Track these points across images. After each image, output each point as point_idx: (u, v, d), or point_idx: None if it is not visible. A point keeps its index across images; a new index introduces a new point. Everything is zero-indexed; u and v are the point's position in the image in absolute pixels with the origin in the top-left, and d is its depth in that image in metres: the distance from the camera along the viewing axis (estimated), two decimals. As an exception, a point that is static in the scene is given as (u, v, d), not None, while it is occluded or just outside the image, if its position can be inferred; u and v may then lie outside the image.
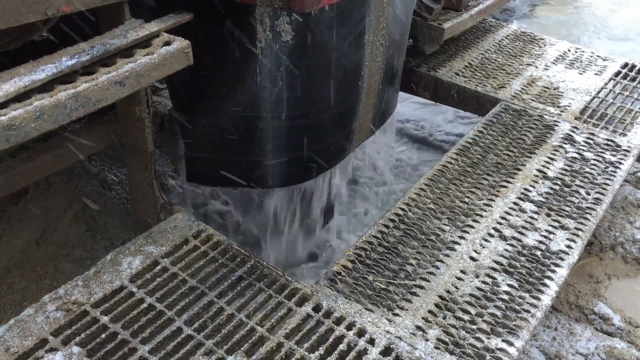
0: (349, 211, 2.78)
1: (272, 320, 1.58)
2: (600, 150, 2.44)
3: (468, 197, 2.12)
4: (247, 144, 2.09)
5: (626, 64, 3.14)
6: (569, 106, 2.73)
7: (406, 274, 1.78)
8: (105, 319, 1.55)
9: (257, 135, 2.07)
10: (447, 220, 2.00)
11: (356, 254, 1.84)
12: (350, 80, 2.14)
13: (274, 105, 2.00)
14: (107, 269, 1.68)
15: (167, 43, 1.59)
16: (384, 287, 1.73)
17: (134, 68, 1.47)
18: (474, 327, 1.63)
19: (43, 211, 2.12)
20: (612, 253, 2.40)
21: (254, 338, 1.54)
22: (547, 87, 2.88)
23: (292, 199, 2.40)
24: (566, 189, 2.20)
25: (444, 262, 1.83)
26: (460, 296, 1.72)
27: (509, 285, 1.77)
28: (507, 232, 1.97)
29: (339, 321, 1.60)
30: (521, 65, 3.08)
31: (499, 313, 1.68)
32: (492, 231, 1.97)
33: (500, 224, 2.01)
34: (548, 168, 2.30)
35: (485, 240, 1.93)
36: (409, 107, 3.63)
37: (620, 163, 2.37)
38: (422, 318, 1.64)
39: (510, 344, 1.59)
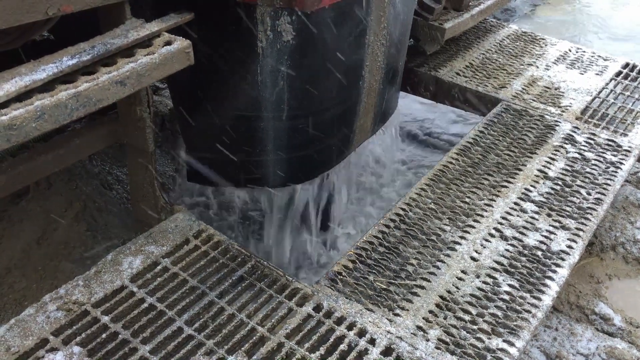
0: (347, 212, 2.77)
1: (272, 320, 1.58)
2: (601, 150, 2.44)
3: (469, 197, 2.11)
4: (247, 143, 2.09)
5: (627, 64, 3.14)
6: (569, 106, 2.73)
7: (407, 274, 1.78)
8: (106, 319, 1.55)
9: (257, 135, 2.07)
10: (447, 220, 2.00)
11: (357, 253, 1.83)
12: (351, 80, 2.14)
13: (275, 105, 2.00)
14: (108, 269, 1.68)
15: (168, 43, 1.59)
16: (384, 287, 1.73)
17: (134, 68, 1.47)
18: (475, 327, 1.63)
19: (44, 211, 2.12)
20: (612, 253, 2.39)
21: (254, 338, 1.54)
22: (548, 87, 2.88)
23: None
24: (567, 189, 2.20)
25: (444, 262, 1.83)
26: (461, 296, 1.72)
27: (509, 285, 1.77)
28: (508, 232, 1.97)
29: (339, 321, 1.60)
30: (522, 65, 3.08)
31: (499, 313, 1.67)
32: (493, 231, 1.97)
33: (501, 224, 2.01)
34: (549, 168, 2.30)
35: (486, 240, 1.93)
36: (409, 107, 3.63)
37: (621, 163, 2.37)
38: (423, 318, 1.64)
39: (511, 344, 1.59)
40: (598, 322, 2.11)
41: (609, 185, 2.23)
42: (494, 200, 2.11)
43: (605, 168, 2.33)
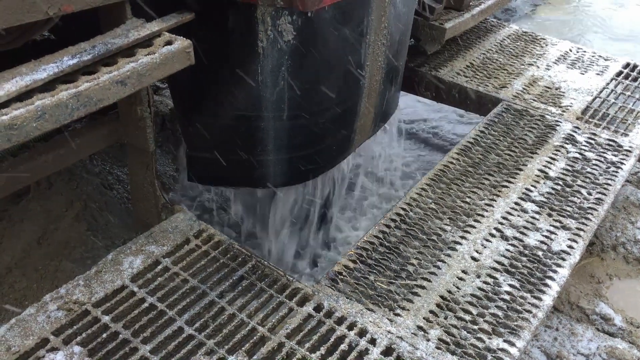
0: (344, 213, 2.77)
1: (273, 320, 1.58)
2: (601, 150, 2.44)
3: (469, 197, 2.11)
4: (248, 143, 2.09)
5: (628, 64, 3.14)
6: (570, 106, 2.73)
7: (407, 273, 1.78)
8: (106, 319, 1.55)
9: (258, 135, 2.07)
10: (448, 220, 2.00)
11: (357, 253, 1.83)
12: (351, 80, 2.14)
13: (275, 104, 1.99)
14: (108, 269, 1.68)
15: (169, 42, 1.59)
16: (385, 287, 1.73)
17: (135, 67, 1.47)
18: (476, 327, 1.63)
19: (44, 210, 2.12)
20: (613, 253, 2.39)
21: (255, 338, 1.54)
22: (548, 87, 2.88)
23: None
24: (568, 189, 2.19)
25: (445, 262, 1.83)
26: (462, 296, 1.72)
27: (510, 285, 1.77)
28: (509, 232, 1.97)
29: (340, 321, 1.60)
30: (523, 65, 3.08)
31: (500, 313, 1.67)
32: (494, 231, 1.97)
33: (501, 224, 2.00)
34: (550, 168, 2.30)
35: (487, 240, 1.93)
36: (410, 106, 3.63)
37: (621, 163, 2.37)
38: (424, 318, 1.64)
39: (512, 344, 1.59)
40: (599, 322, 2.11)
41: (610, 185, 2.23)
42: (495, 200, 2.11)
43: (606, 168, 2.33)
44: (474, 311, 1.67)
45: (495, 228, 1.98)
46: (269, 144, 2.10)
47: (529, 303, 1.71)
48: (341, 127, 2.24)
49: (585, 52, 3.25)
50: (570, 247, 1.93)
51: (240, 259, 1.76)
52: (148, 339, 1.51)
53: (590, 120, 2.64)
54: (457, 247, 1.89)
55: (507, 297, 1.73)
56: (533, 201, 2.12)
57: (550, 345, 2.01)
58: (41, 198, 2.15)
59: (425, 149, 3.33)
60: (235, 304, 1.62)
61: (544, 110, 2.68)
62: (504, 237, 1.95)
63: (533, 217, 2.04)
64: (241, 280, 1.70)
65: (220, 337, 1.53)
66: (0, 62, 1.41)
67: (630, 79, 3.01)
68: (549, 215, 2.06)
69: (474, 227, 1.98)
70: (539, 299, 1.73)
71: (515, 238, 1.95)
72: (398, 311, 1.65)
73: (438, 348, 1.55)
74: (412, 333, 1.59)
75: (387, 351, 1.54)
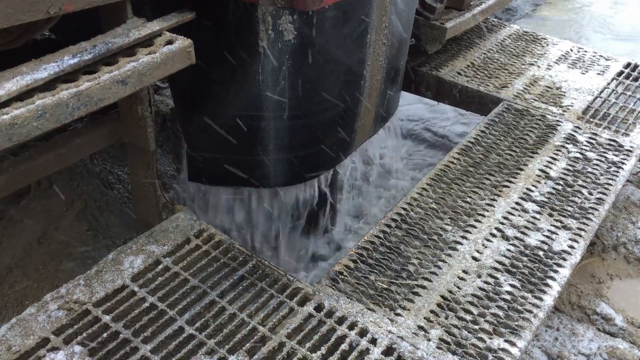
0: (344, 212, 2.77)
1: (273, 320, 1.58)
2: (602, 150, 2.43)
3: (470, 197, 2.11)
4: (249, 143, 2.09)
5: (629, 64, 3.13)
6: (571, 106, 2.73)
7: (408, 273, 1.78)
8: (107, 318, 1.54)
9: (258, 134, 2.06)
10: (449, 220, 2.00)
11: (358, 253, 1.83)
12: (352, 79, 2.14)
13: (276, 104, 1.99)
14: (109, 268, 1.68)
15: (170, 42, 1.59)
16: (386, 286, 1.72)
17: (136, 67, 1.47)
18: (476, 327, 1.62)
19: (45, 210, 2.12)
20: (614, 253, 2.39)
21: (255, 337, 1.53)
22: (549, 87, 2.88)
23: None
24: (569, 189, 2.19)
25: (446, 262, 1.83)
26: (463, 296, 1.71)
27: (511, 285, 1.77)
28: (510, 232, 1.97)
29: (340, 321, 1.60)
30: (523, 64, 3.07)
31: (501, 313, 1.67)
32: (495, 231, 1.97)
33: (502, 224, 2.00)
34: (550, 168, 2.30)
35: (488, 240, 1.93)
36: (410, 106, 3.63)
37: (622, 163, 2.36)
38: (424, 318, 1.64)
39: (513, 344, 1.59)
40: (599, 322, 2.11)
41: (611, 185, 2.23)
42: (496, 200, 2.11)
43: (607, 168, 2.33)
44: (475, 311, 1.67)
45: (496, 228, 1.98)
46: (270, 143, 2.10)
47: (530, 303, 1.71)
48: (342, 126, 2.24)
49: (586, 51, 3.25)
50: (571, 247, 1.93)
51: (240, 259, 1.75)
52: (149, 338, 1.51)
53: (591, 120, 2.64)
54: (458, 247, 1.89)
55: (508, 297, 1.72)
56: (534, 201, 2.12)
57: (551, 345, 2.01)
58: (41, 198, 2.15)
59: (425, 148, 3.33)
60: (235, 304, 1.62)
61: (545, 110, 2.68)
62: (505, 237, 1.95)
63: (534, 217, 2.04)
64: (242, 280, 1.70)
65: (220, 336, 1.53)
66: (1, 62, 1.41)
67: (631, 78, 3.01)
68: (550, 215, 2.06)
69: (474, 227, 1.98)
70: (540, 299, 1.73)
71: (516, 238, 1.95)
72: (399, 311, 1.65)
73: (439, 348, 1.55)
74: (413, 333, 1.59)
75: (388, 351, 1.54)
